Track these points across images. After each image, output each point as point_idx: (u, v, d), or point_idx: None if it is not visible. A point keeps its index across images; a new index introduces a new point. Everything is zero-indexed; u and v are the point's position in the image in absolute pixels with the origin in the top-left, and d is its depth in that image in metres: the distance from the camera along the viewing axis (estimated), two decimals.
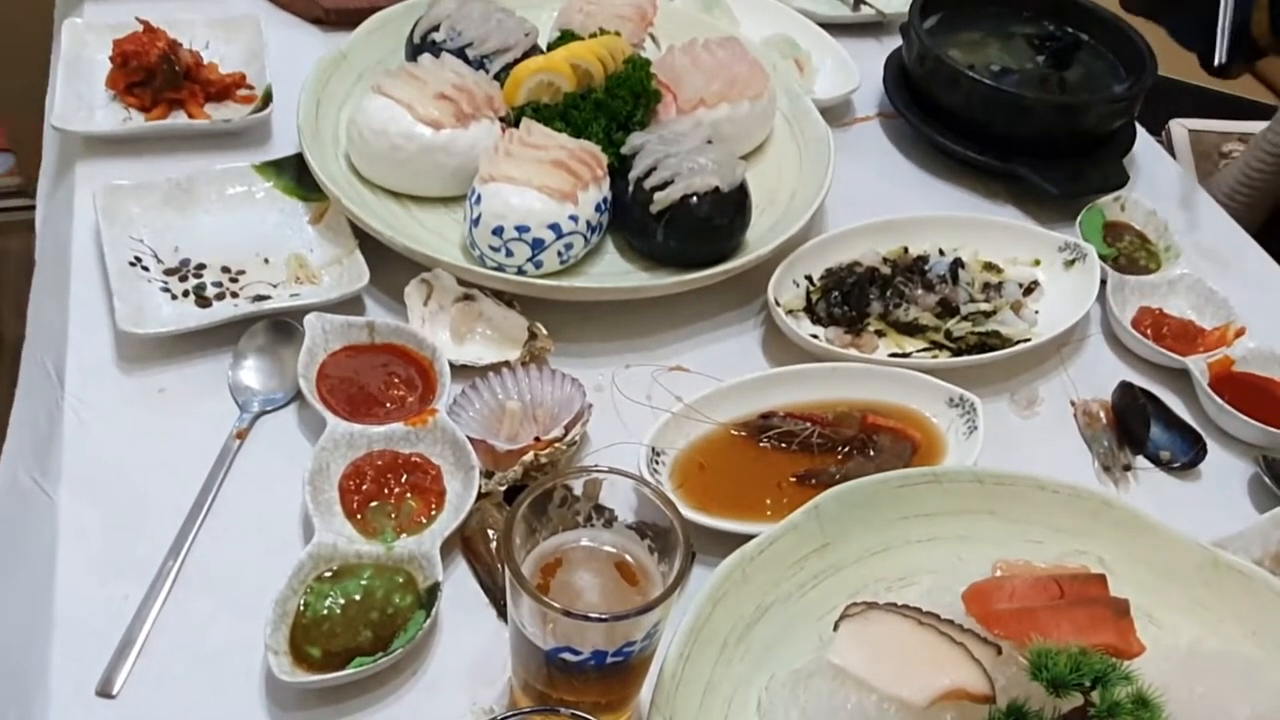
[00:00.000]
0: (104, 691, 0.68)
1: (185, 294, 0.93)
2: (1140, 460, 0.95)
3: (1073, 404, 0.99)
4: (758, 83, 1.11)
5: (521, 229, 0.92)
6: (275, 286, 0.95)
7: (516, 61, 1.08)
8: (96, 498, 0.79)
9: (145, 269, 0.93)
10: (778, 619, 0.73)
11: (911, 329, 1.00)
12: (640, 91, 1.05)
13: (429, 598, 0.73)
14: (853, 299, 1.00)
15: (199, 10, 1.20)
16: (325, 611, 0.72)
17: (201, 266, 0.95)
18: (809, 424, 0.88)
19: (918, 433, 0.90)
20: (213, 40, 1.17)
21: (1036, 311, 1.04)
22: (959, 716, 0.65)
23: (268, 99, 1.10)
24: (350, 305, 0.93)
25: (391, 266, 0.95)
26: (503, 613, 0.75)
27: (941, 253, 1.07)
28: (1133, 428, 0.96)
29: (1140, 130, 1.30)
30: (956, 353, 0.98)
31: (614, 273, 1.00)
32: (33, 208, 1.15)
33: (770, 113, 1.15)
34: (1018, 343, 0.99)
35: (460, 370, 0.89)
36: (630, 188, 0.98)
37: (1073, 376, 1.01)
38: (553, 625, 0.61)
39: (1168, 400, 0.99)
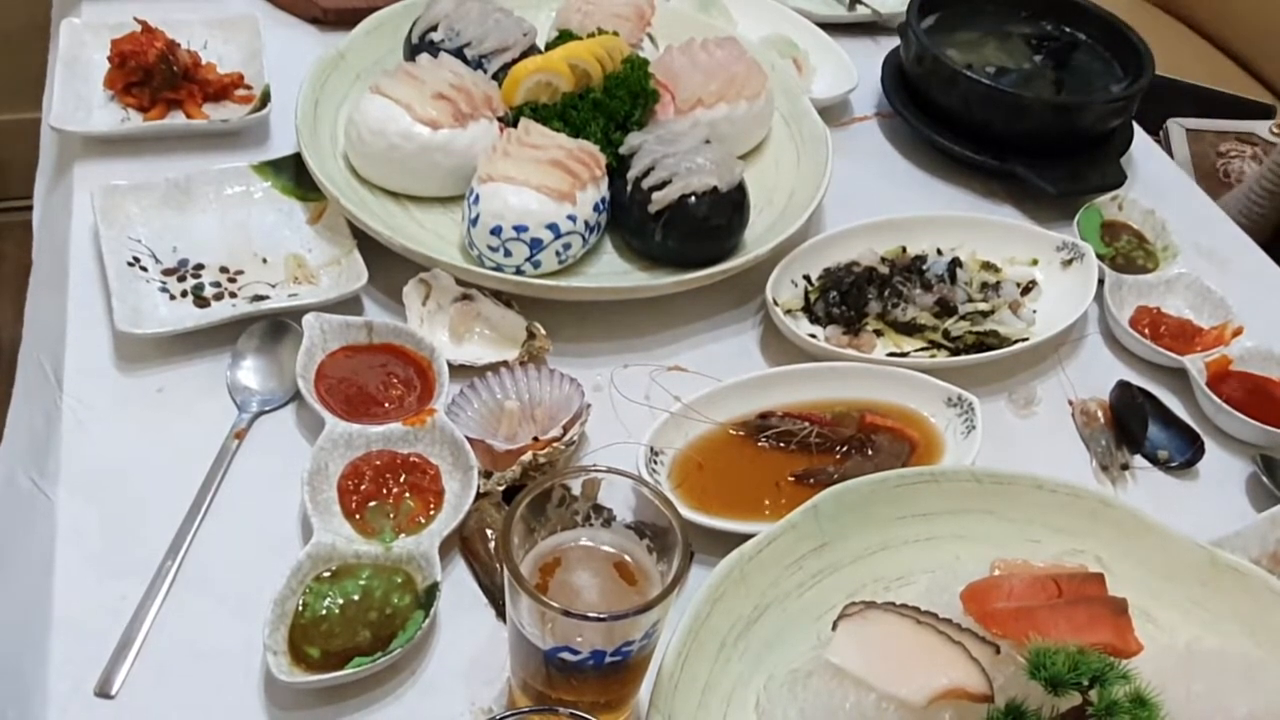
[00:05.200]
0: (102, 691, 0.68)
1: (183, 294, 0.93)
2: (1138, 459, 0.95)
3: (1070, 403, 0.99)
4: (755, 82, 1.11)
5: (520, 229, 0.92)
6: (273, 286, 0.95)
7: (514, 61, 1.08)
8: (95, 498, 0.79)
9: (143, 269, 0.93)
10: (776, 618, 0.73)
11: (909, 328, 1.00)
12: (638, 91, 1.05)
13: (427, 598, 0.73)
14: (851, 299, 1.00)
15: (197, 10, 1.20)
16: (324, 611, 0.72)
17: (200, 266, 0.95)
18: (807, 424, 0.89)
19: (916, 432, 0.90)
20: (211, 40, 1.17)
21: (1034, 311, 1.04)
22: (957, 716, 0.65)
23: (266, 99, 1.10)
24: (348, 305, 0.93)
25: (390, 266, 0.95)
26: (501, 613, 0.75)
27: (939, 252, 1.07)
28: (1130, 427, 0.96)
29: (1138, 130, 1.30)
30: (954, 352, 0.98)
31: (612, 272, 1.00)
32: (30, 208, 1.15)
33: (768, 112, 1.15)
34: (1015, 342, 0.99)
35: (459, 370, 0.89)
36: (628, 187, 0.98)
37: (1070, 376, 1.01)
38: (551, 625, 0.61)
39: (1165, 400, 0.99)
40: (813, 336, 0.97)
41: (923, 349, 0.99)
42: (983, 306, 1.02)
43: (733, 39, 1.14)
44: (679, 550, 0.62)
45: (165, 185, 0.99)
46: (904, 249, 1.07)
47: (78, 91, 1.10)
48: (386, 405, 0.86)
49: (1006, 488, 0.79)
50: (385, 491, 0.80)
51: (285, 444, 0.84)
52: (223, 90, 1.12)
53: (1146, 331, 1.03)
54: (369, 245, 0.96)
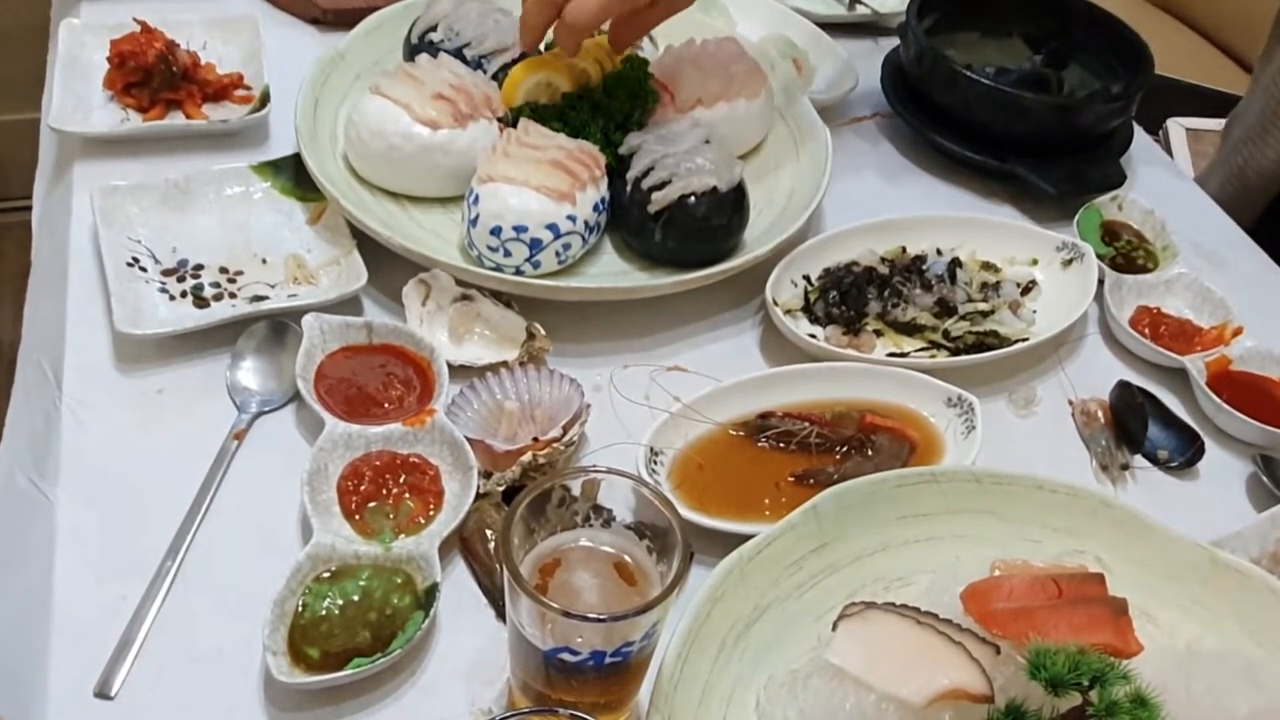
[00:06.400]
0: (102, 692, 0.68)
1: (183, 294, 0.93)
2: (1138, 459, 0.95)
3: (1070, 403, 0.99)
4: (755, 82, 1.11)
5: (519, 229, 0.92)
6: (273, 287, 0.95)
7: (514, 61, 1.08)
8: (94, 499, 0.79)
9: (143, 270, 0.93)
10: (776, 619, 0.73)
11: (909, 329, 1.00)
12: (638, 91, 1.05)
13: (427, 598, 0.73)
14: (851, 299, 1.00)
15: (196, 10, 1.19)
16: (323, 612, 0.72)
17: (199, 267, 0.95)
18: (807, 424, 0.88)
19: (916, 432, 0.90)
20: (210, 40, 1.17)
21: (1034, 311, 1.04)
22: (957, 716, 0.65)
23: (265, 99, 1.10)
24: (348, 306, 0.93)
25: (389, 267, 0.95)
26: (501, 613, 0.75)
27: (939, 252, 1.07)
28: (1130, 427, 0.96)
29: (1138, 130, 1.30)
30: (954, 352, 0.98)
31: (612, 273, 1.00)
32: (29, 208, 1.15)
33: (768, 112, 1.15)
34: (1015, 342, 0.99)
35: (458, 370, 0.89)
36: (628, 188, 0.98)
37: (1070, 376, 1.01)
38: (551, 625, 0.61)
39: (1165, 399, 0.99)
40: (812, 336, 0.97)
41: (923, 349, 0.99)
42: (983, 306, 1.02)
43: (733, 39, 1.14)
44: (679, 551, 0.62)
45: (165, 186, 0.99)
46: (904, 249, 1.07)
47: (77, 92, 1.09)
48: (386, 405, 0.86)
49: (1006, 488, 0.79)
50: (385, 492, 0.80)
51: (285, 444, 0.84)
52: (222, 90, 1.12)
53: (1146, 331, 1.03)
54: (368, 246, 0.96)
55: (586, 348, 0.95)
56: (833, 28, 1.36)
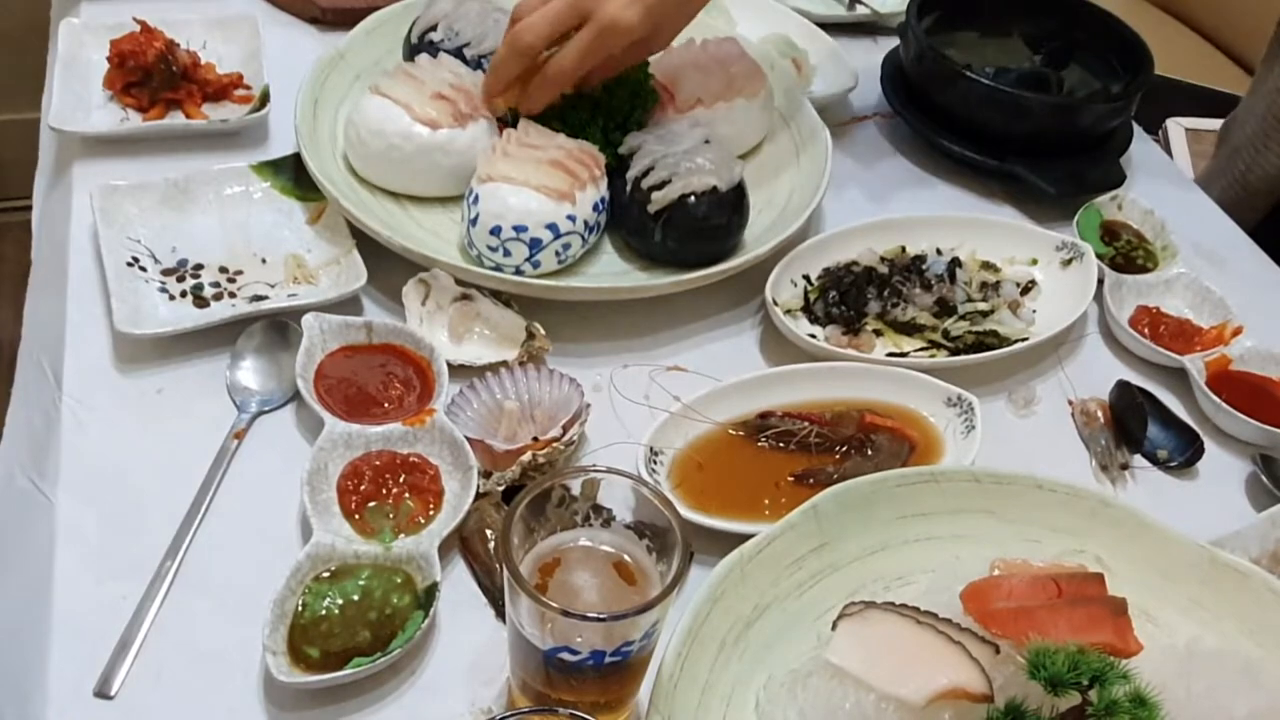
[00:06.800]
0: (102, 692, 0.68)
1: (183, 294, 0.93)
2: (1138, 459, 0.95)
3: (1070, 403, 0.99)
4: (755, 82, 1.11)
5: (519, 229, 0.92)
6: (273, 287, 0.95)
7: None
8: (94, 499, 0.79)
9: (143, 269, 0.93)
10: (776, 618, 0.73)
11: (909, 328, 1.00)
12: (638, 91, 1.05)
13: (427, 598, 0.73)
14: (850, 298, 1.00)
15: (196, 10, 1.19)
16: (323, 612, 0.72)
17: (199, 267, 0.95)
18: (807, 423, 0.88)
19: (915, 432, 0.90)
20: (210, 40, 1.17)
21: (1034, 311, 1.04)
22: (957, 715, 0.65)
23: (265, 99, 1.10)
24: (348, 305, 0.93)
25: (389, 266, 0.95)
26: (501, 613, 0.75)
27: (939, 252, 1.07)
28: (1130, 427, 0.96)
29: (1138, 130, 1.30)
30: (954, 352, 0.98)
31: (612, 273, 1.00)
32: (29, 208, 1.15)
33: (768, 112, 1.15)
34: (1015, 342, 0.99)
35: (458, 370, 0.89)
36: (628, 187, 0.98)
37: (1070, 376, 1.01)
38: (551, 625, 0.61)
39: (1165, 399, 0.99)
40: (812, 336, 0.97)
41: (922, 349, 0.99)
42: (982, 306, 1.02)
43: (733, 39, 1.14)
44: (678, 550, 0.62)
45: (164, 185, 0.99)
46: (903, 249, 1.07)
47: (77, 91, 1.09)
48: (386, 405, 0.86)
49: (1006, 488, 0.79)
50: (385, 492, 0.80)
51: (285, 444, 0.84)
52: (222, 90, 1.12)
53: (1146, 331, 1.03)
54: (368, 245, 0.96)
55: (586, 348, 0.95)
56: (833, 28, 1.36)
